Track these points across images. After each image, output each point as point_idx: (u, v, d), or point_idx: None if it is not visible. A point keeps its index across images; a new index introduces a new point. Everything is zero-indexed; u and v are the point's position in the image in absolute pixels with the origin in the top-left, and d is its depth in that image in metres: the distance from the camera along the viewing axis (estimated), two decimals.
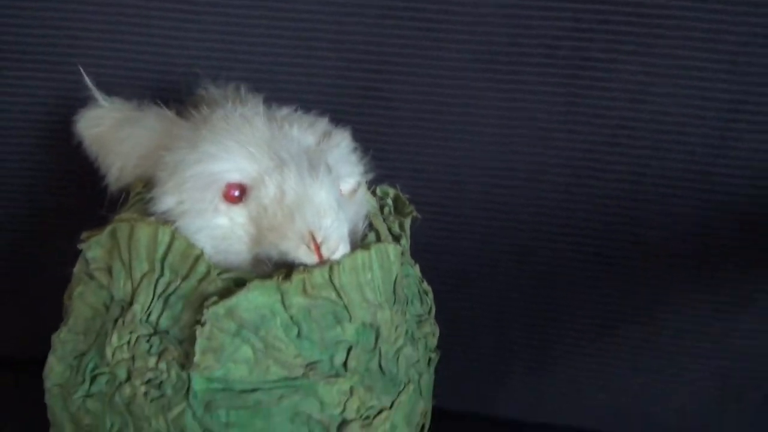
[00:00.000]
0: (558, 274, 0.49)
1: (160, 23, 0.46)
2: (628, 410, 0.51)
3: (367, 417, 0.30)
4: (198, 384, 0.28)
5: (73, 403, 0.30)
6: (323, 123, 0.33)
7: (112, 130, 0.35)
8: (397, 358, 0.32)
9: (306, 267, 0.28)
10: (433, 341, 0.37)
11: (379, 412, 0.31)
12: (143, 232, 0.29)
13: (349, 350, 0.30)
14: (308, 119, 0.33)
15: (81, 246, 0.30)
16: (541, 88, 0.46)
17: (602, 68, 0.45)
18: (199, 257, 0.28)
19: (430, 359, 0.36)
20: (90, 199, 0.42)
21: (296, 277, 0.28)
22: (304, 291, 0.28)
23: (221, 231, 0.30)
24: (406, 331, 0.33)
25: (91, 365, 0.30)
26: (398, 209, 0.37)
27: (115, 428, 0.29)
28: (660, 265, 0.47)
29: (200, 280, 0.28)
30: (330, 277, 0.28)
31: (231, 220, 0.30)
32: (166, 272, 0.29)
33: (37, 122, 0.48)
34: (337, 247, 0.29)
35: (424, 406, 0.35)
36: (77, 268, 0.31)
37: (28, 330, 0.51)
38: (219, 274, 0.28)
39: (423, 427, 0.35)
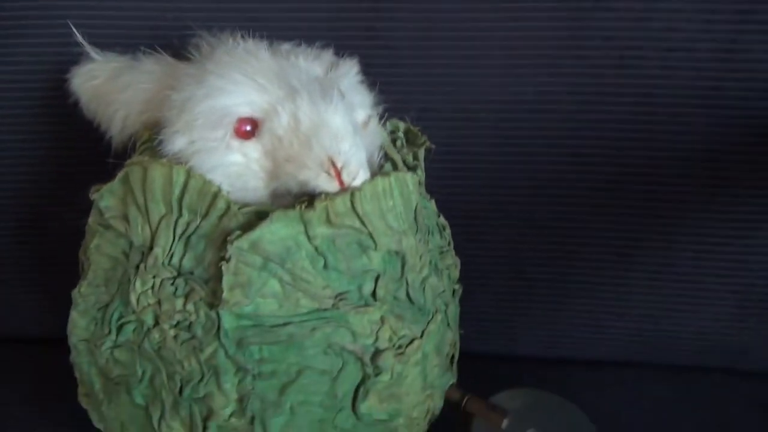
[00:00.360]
0: (571, 205, 0.48)
1: None
2: (647, 337, 0.51)
3: (400, 346, 0.30)
4: (228, 322, 0.27)
5: (102, 355, 0.30)
6: (329, 54, 0.33)
7: (110, 81, 0.34)
8: (424, 288, 0.32)
9: (328, 195, 0.27)
10: (456, 273, 0.36)
11: (411, 342, 0.30)
12: (157, 173, 0.28)
13: (377, 279, 0.29)
14: (313, 51, 0.32)
15: (93, 197, 0.30)
16: (543, 14, 0.44)
17: None
18: (217, 194, 0.28)
19: (454, 291, 0.36)
20: (89, 164, 0.41)
21: (319, 206, 0.27)
22: (328, 220, 0.27)
23: (236, 168, 0.29)
24: (430, 261, 0.33)
25: (116, 315, 0.29)
26: (410, 141, 0.36)
27: (147, 375, 0.29)
28: (674, 188, 0.47)
29: (220, 217, 0.27)
30: (352, 204, 0.28)
31: (245, 155, 0.29)
32: (185, 212, 0.28)
33: (30, 87, 0.46)
34: (358, 172, 0.28)
35: (452, 336, 0.35)
36: (91, 221, 0.30)
37: (34, 309, 0.51)
38: (240, 208, 0.27)
39: (453, 357, 0.35)
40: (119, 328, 0.29)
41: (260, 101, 0.28)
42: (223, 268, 0.27)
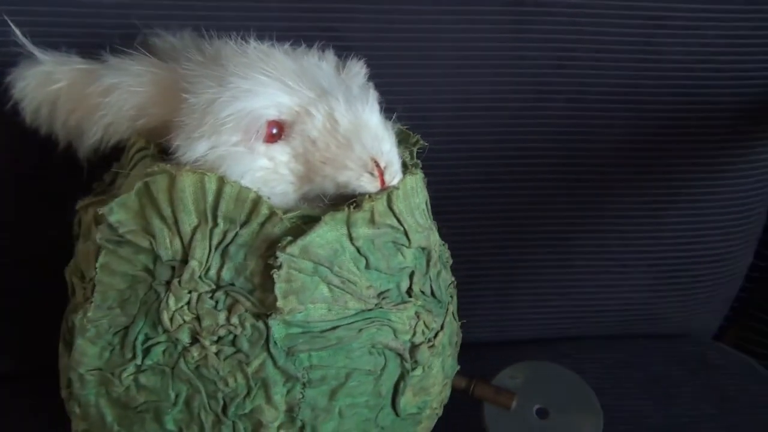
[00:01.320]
0: (519, 196, 0.52)
1: None
2: (584, 311, 0.57)
3: (430, 339, 0.31)
4: (278, 331, 0.27)
5: (121, 383, 0.27)
6: (331, 54, 0.32)
7: (83, 84, 0.31)
8: (439, 281, 0.33)
9: (371, 196, 0.28)
10: (449, 264, 0.38)
11: (436, 334, 0.31)
12: (187, 181, 0.26)
13: (411, 276, 0.30)
14: (316, 52, 0.32)
15: (102, 211, 0.27)
16: (489, 17, 0.47)
17: None
18: (257, 200, 0.26)
19: (452, 282, 0.37)
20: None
21: (366, 206, 0.27)
22: (371, 220, 0.27)
23: (262, 174, 0.28)
24: (439, 255, 0.34)
25: (140, 337, 0.27)
26: (402, 141, 0.37)
27: (182, 398, 0.27)
28: (602, 176, 0.52)
29: (262, 224, 0.26)
30: (389, 203, 0.28)
31: (272, 159, 0.28)
32: (220, 221, 0.26)
33: None
34: (398, 172, 0.28)
35: (457, 325, 0.36)
36: (98, 237, 0.27)
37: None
38: (284, 213, 0.27)
39: (458, 344, 0.37)
40: (145, 351, 0.27)
41: (289, 103, 0.28)
42: (274, 276, 0.26)
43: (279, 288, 0.26)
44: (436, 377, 0.32)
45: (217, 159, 0.27)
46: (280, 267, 0.26)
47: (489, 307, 0.55)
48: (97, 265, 0.28)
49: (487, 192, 0.51)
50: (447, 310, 0.33)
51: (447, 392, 0.35)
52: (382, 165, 0.27)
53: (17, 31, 0.33)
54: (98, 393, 0.28)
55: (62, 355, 0.30)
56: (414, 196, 0.29)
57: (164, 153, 0.30)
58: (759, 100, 0.52)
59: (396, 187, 0.28)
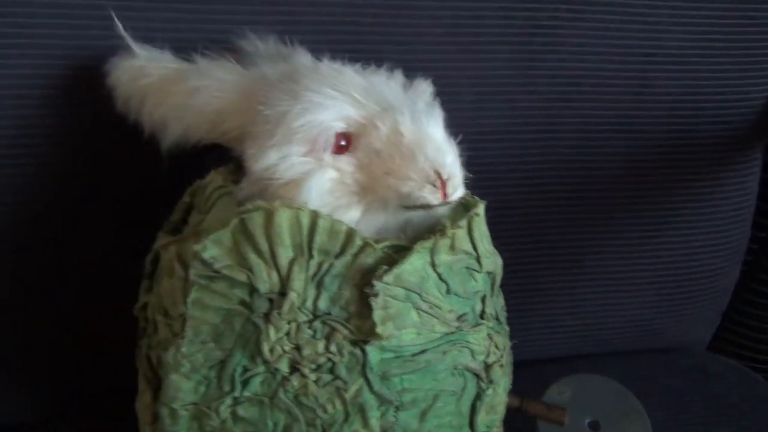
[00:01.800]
0: (529, 222, 0.55)
1: None
2: (591, 330, 0.60)
3: (498, 358, 0.32)
4: (374, 357, 0.28)
5: (218, 416, 0.28)
6: (399, 74, 0.33)
7: (170, 83, 0.32)
8: (499, 303, 0.35)
9: (454, 224, 0.29)
10: None
11: (503, 354, 0.33)
12: (283, 216, 0.27)
13: (483, 299, 0.32)
14: (383, 71, 0.33)
15: (196, 248, 0.28)
16: (502, 55, 0.51)
17: (550, 33, 0.51)
18: (350, 232, 0.28)
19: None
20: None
21: (449, 233, 0.29)
22: (452, 247, 0.29)
23: (329, 185, 0.29)
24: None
25: (239, 369, 0.28)
26: None
27: (280, 427, 0.28)
28: (607, 200, 0.56)
29: (356, 254, 0.28)
30: (469, 230, 0.30)
31: (339, 170, 0.29)
32: (315, 254, 0.28)
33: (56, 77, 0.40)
34: (460, 185, 0.30)
35: (509, 345, 0.38)
36: (193, 273, 0.28)
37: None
38: (377, 243, 0.28)
39: (512, 364, 0.38)
40: (244, 383, 0.28)
41: (356, 116, 0.29)
42: (372, 303, 0.27)
43: (377, 315, 0.27)
44: (501, 396, 0.33)
45: (287, 168, 0.29)
46: (377, 295, 0.27)
47: None
48: (189, 300, 0.28)
49: (500, 219, 0.53)
50: (506, 330, 0.35)
51: (504, 410, 0.37)
52: (444, 177, 0.29)
53: (119, 25, 0.35)
54: (190, 428, 0.28)
55: (143, 392, 0.30)
56: (482, 223, 0.31)
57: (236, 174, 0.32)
58: (739, 127, 0.57)
59: (477, 214, 0.30)
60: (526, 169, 0.54)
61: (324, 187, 0.29)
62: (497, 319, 0.33)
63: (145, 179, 0.43)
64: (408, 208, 0.30)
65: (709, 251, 0.60)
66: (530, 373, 0.55)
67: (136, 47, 0.33)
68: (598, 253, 0.57)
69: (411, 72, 0.49)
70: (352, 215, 0.29)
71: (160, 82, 0.32)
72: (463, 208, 0.33)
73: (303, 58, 0.35)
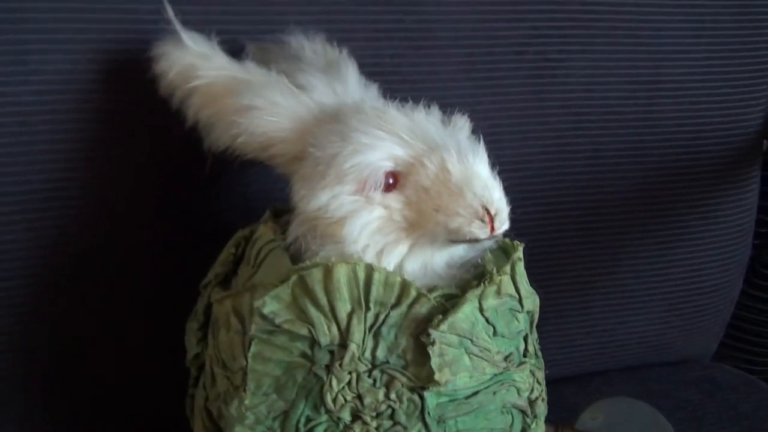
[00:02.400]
0: (545, 247, 0.57)
1: None
2: (606, 347, 0.61)
3: (540, 393, 0.34)
4: (431, 402, 0.29)
5: None
6: (436, 110, 0.34)
7: (220, 90, 0.33)
8: (534, 340, 0.36)
9: (500, 271, 0.31)
10: None
11: (543, 388, 0.35)
12: (341, 271, 0.29)
13: (525, 338, 0.33)
14: (421, 108, 0.34)
15: (256, 305, 0.29)
16: (514, 89, 0.53)
17: (559, 66, 0.53)
18: (405, 283, 0.29)
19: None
20: None
21: (496, 279, 0.30)
22: (498, 292, 0.31)
23: (377, 222, 0.30)
24: None
25: (303, 419, 0.29)
26: None
27: None
28: (619, 221, 0.58)
29: (411, 305, 0.29)
30: (512, 274, 0.32)
31: (387, 208, 0.30)
32: (372, 306, 0.29)
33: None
34: (506, 220, 0.31)
35: None
36: (254, 329, 0.29)
37: None
38: (430, 293, 0.29)
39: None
40: None
41: (404, 155, 0.30)
42: (429, 351, 0.28)
43: (434, 362, 0.29)
44: (542, 427, 0.35)
45: (338, 208, 0.30)
46: (433, 343, 0.29)
47: None
48: (250, 354, 0.29)
49: None
50: (542, 363, 0.36)
51: None
52: (492, 212, 0.30)
53: (170, 11, 0.35)
54: None
55: None
56: (522, 265, 0.33)
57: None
58: (739, 147, 0.60)
59: (520, 258, 0.32)
60: (540, 196, 0.55)
61: (373, 225, 0.30)
62: (536, 355, 0.35)
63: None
64: (455, 242, 0.31)
65: (716, 266, 0.62)
66: (549, 393, 0.57)
67: (186, 38, 0.34)
68: (612, 273, 0.59)
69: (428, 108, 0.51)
70: (400, 250, 0.31)
71: (210, 87, 0.33)
72: (502, 250, 0.34)
73: (350, 70, 0.36)
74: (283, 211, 0.39)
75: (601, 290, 0.59)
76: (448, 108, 0.50)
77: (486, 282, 0.30)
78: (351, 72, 0.37)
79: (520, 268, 0.33)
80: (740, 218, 0.62)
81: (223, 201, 0.47)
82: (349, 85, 0.36)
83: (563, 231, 0.57)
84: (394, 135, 0.30)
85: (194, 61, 0.33)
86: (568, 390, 0.58)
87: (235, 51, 0.39)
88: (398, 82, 0.49)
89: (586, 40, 0.53)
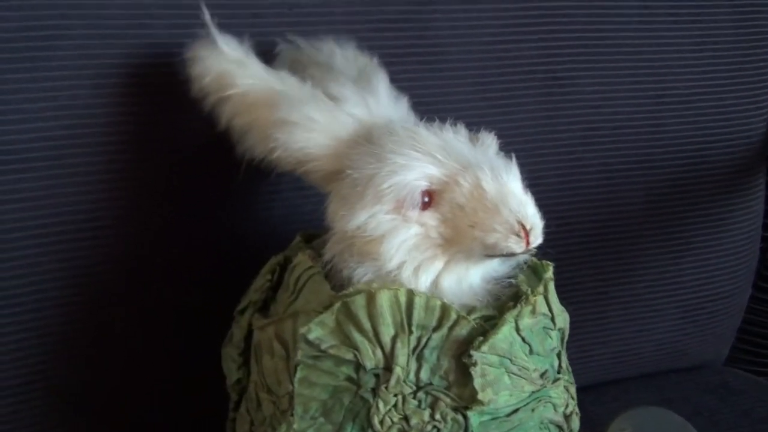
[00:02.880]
0: (560, 260, 0.56)
1: None
2: (622, 356, 0.62)
3: (574, 408, 0.35)
4: (475, 420, 0.30)
5: None
6: (462, 127, 0.35)
7: (255, 101, 0.34)
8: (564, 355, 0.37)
9: (535, 291, 0.32)
10: None
11: (576, 403, 0.36)
12: (384, 297, 0.30)
13: (558, 355, 0.34)
14: (449, 126, 0.34)
15: (302, 331, 0.30)
16: (525, 107, 0.54)
17: (569, 84, 0.55)
18: (445, 306, 0.30)
19: None
20: None
21: (532, 299, 0.31)
22: (533, 312, 0.32)
23: (414, 240, 0.31)
24: None
25: None
26: None
27: None
28: (632, 232, 0.59)
29: (451, 327, 0.30)
30: (546, 294, 0.33)
31: (423, 225, 0.31)
32: (414, 329, 0.30)
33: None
34: (540, 234, 0.32)
35: None
36: (300, 355, 0.30)
37: None
38: (469, 315, 0.30)
39: None
40: None
41: (438, 174, 0.31)
42: (472, 372, 0.29)
43: (477, 383, 0.30)
44: None
45: (376, 227, 0.31)
46: (475, 364, 0.30)
47: None
48: (296, 379, 0.30)
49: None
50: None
51: None
52: (527, 227, 0.31)
53: (206, 14, 0.35)
54: None
55: None
56: (552, 283, 0.34)
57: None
58: (744, 156, 0.61)
59: (552, 279, 0.33)
60: (554, 211, 0.56)
61: (410, 243, 0.31)
62: (568, 370, 0.36)
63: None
64: (491, 256, 0.32)
65: (726, 273, 0.63)
66: None
67: (221, 42, 0.34)
68: (626, 283, 0.60)
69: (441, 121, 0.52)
70: (436, 266, 0.32)
71: (246, 96, 0.33)
72: (532, 270, 0.35)
73: (381, 81, 0.37)
74: (312, 236, 0.40)
75: (616, 301, 0.60)
76: (457, 122, 0.53)
77: (522, 303, 0.31)
78: (382, 84, 0.38)
79: (552, 287, 0.34)
80: (748, 225, 0.63)
81: (248, 226, 0.48)
82: (380, 98, 0.36)
83: (577, 244, 0.58)
84: (428, 155, 0.31)
85: (230, 68, 0.34)
86: (586, 399, 0.59)
87: (266, 51, 0.40)
88: (414, 105, 0.51)
89: (594, 58, 0.55)
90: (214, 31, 0.34)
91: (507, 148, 0.54)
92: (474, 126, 0.52)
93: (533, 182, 0.55)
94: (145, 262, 0.46)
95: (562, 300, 0.58)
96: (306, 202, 0.50)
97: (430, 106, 0.52)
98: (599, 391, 0.61)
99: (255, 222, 0.48)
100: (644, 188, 0.59)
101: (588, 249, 0.58)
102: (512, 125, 0.54)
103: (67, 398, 0.46)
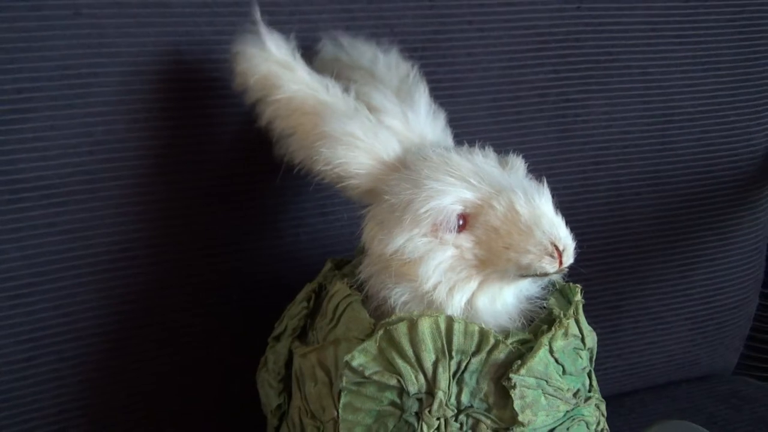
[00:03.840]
0: (574, 276, 0.59)
1: None
2: (635, 368, 0.64)
3: (604, 425, 0.36)
4: None
5: None
6: (491, 150, 0.37)
7: (300, 107, 0.34)
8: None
9: (566, 315, 0.33)
10: None
11: (605, 421, 0.37)
12: (425, 324, 0.31)
13: (589, 374, 0.35)
14: (478, 149, 0.36)
15: (346, 358, 0.31)
16: (538, 129, 0.56)
17: (580, 106, 0.56)
18: (483, 331, 0.32)
19: None
20: None
21: (565, 322, 0.33)
22: (566, 333, 0.33)
23: (450, 262, 0.32)
24: None
25: None
26: None
27: None
28: (642, 247, 0.61)
29: (490, 351, 0.32)
30: (576, 315, 0.34)
31: (459, 247, 0.32)
32: (455, 354, 0.31)
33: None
34: (572, 254, 0.33)
35: None
36: (345, 381, 0.31)
37: None
38: (506, 339, 0.32)
39: None
40: None
41: (473, 198, 0.32)
42: (512, 394, 0.31)
43: (517, 405, 0.31)
44: None
45: (414, 250, 0.32)
46: (514, 387, 0.31)
47: None
48: (340, 405, 0.32)
49: None
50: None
51: None
52: (560, 248, 0.32)
53: (257, 13, 0.35)
54: None
55: None
56: (581, 305, 0.36)
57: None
58: (749, 170, 0.63)
59: (582, 301, 0.34)
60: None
61: (446, 264, 0.32)
62: (597, 389, 0.37)
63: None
64: (524, 276, 0.33)
65: (735, 284, 0.65)
66: None
67: (269, 43, 0.34)
68: (638, 297, 0.62)
69: (459, 144, 0.54)
70: (471, 286, 0.33)
71: (291, 101, 0.34)
72: (560, 292, 0.37)
73: (422, 95, 0.38)
74: (342, 262, 0.41)
75: (628, 314, 0.62)
76: (485, 145, 0.54)
77: (556, 326, 0.33)
78: (423, 98, 0.39)
79: (581, 309, 0.35)
80: (755, 237, 0.65)
81: (275, 253, 0.49)
82: (419, 113, 0.38)
83: (589, 260, 0.59)
84: (462, 180, 0.33)
85: (276, 71, 0.35)
86: None
87: (309, 45, 0.41)
88: None
89: (604, 80, 0.57)
90: (263, 30, 0.35)
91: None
92: (489, 147, 0.55)
93: None
94: (176, 290, 0.47)
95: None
96: (330, 227, 0.51)
97: (457, 123, 0.54)
98: (614, 404, 0.62)
99: (282, 249, 0.49)
100: (654, 205, 0.60)
101: (600, 265, 0.60)
102: (526, 146, 0.55)
103: (103, 424, 0.47)
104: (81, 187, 0.43)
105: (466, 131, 0.54)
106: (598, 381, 0.63)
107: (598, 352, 0.62)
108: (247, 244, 0.49)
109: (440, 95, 0.53)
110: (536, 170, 0.57)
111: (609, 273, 0.60)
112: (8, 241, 0.42)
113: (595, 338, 0.37)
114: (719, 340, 0.66)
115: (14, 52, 0.40)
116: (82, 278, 0.44)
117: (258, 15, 0.35)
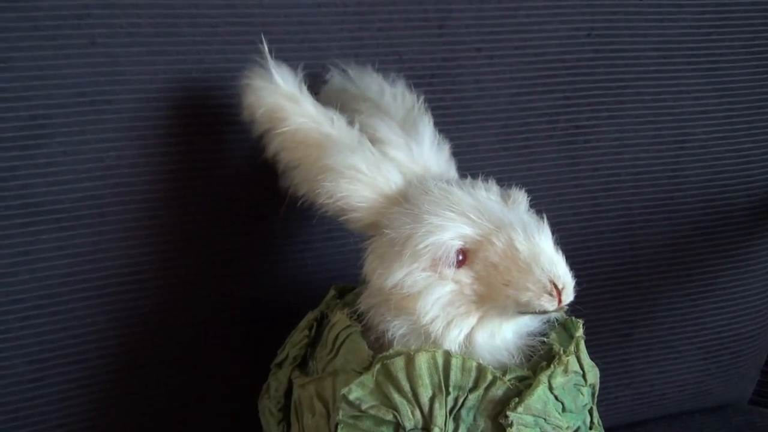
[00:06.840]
0: (583, 304, 0.58)
1: None
2: (646, 398, 0.63)
3: None
4: None
5: None
6: (494, 184, 0.37)
7: (305, 139, 0.35)
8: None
9: (565, 351, 0.33)
10: None
11: None
12: (422, 359, 0.31)
13: (590, 411, 0.35)
14: (483, 183, 0.36)
15: (343, 391, 0.31)
16: (549, 155, 0.56)
17: (590, 132, 0.56)
18: (481, 368, 0.31)
19: None
20: None
21: (564, 359, 0.33)
22: (565, 370, 0.33)
23: (449, 297, 0.32)
24: None
25: None
26: None
27: None
28: (653, 275, 0.60)
29: (487, 387, 0.31)
30: (577, 352, 0.34)
31: (458, 282, 0.32)
32: (452, 390, 0.31)
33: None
34: (572, 292, 0.33)
35: None
36: (342, 414, 0.32)
37: None
38: (504, 376, 0.32)
39: None
40: None
41: (472, 234, 0.32)
42: None
43: None
44: None
45: (413, 284, 0.32)
46: (511, 425, 0.31)
47: None
48: None
49: None
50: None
51: None
52: (559, 286, 0.32)
53: (265, 47, 0.36)
54: None
55: None
56: (583, 341, 0.35)
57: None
58: (763, 198, 0.62)
59: (583, 337, 0.34)
60: (576, 255, 0.58)
61: (445, 299, 0.32)
62: (599, 425, 0.37)
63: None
64: (524, 313, 0.33)
65: (750, 312, 0.64)
66: None
67: (276, 73, 0.35)
68: (649, 325, 0.61)
69: (467, 171, 0.54)
70: (470, 321, 0.33)
71: (296, 134, 0.35)
72: (563, 327, 0.37)
73: (426, 128, 0.38)
74: (345, 289, 0.41)
75: (639, 343, 0.61)
76: (488, 178, 0.54)
77: (555, 363, 0.33)
78: (427, 130, 0.39)
79: (582, 344, 0.35)
80: None
81: (281, 278, 0.50)
82: (424, 145, 0.38)
83: (600, 288, 0.59)
84: (462, 215, 0.32)
85: (283, 104, 0.35)
86: None
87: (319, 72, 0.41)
88: None
89: (614, 106, 0.56)
90: (270, 63, 0.35)
91: (529, 195, 0.56)
92: (498, 174, 0.54)
93: (556, 228, 0.57)
94: (182, 314, 0.48)
95: (586, 343, 0.60)
96: (337, 252, 0.51)
97: (456, 157, 0.54)
98: None
99: (288, 273, 0.49)
100: (665, 232, 0.60)
101: (611, 293, 0.59)
102: (535, 173, 0.55)
103: None
104: (91, 211, 0.44)
105: (475, 158, 0.54)
106: (608, 410, 0.63)
107: (608, 381, 0.62)
108: (254, 268, 0.49)
109: (449, 122, 0.53)
110: (546, 197, 0.57)
111: (620, 300, 0.59)
112: (19, 264, 0.43)
113: (597, 374, 0.37)
114: (734, 370, 0.65)
115: (30, 80, 0.41)
116: (91, 301, 0.45)
117: (266, 48, 0.36)
